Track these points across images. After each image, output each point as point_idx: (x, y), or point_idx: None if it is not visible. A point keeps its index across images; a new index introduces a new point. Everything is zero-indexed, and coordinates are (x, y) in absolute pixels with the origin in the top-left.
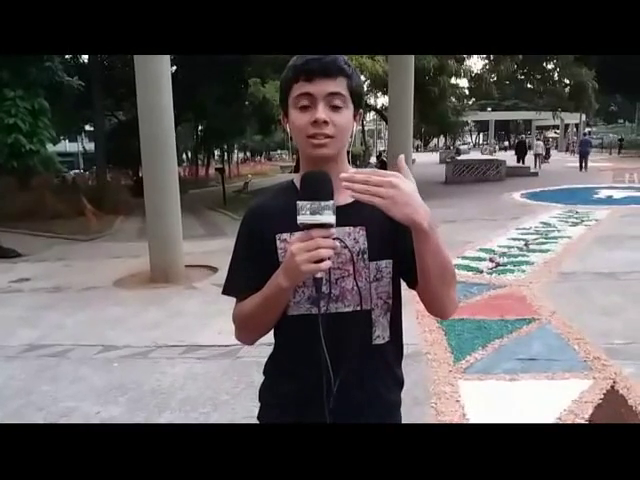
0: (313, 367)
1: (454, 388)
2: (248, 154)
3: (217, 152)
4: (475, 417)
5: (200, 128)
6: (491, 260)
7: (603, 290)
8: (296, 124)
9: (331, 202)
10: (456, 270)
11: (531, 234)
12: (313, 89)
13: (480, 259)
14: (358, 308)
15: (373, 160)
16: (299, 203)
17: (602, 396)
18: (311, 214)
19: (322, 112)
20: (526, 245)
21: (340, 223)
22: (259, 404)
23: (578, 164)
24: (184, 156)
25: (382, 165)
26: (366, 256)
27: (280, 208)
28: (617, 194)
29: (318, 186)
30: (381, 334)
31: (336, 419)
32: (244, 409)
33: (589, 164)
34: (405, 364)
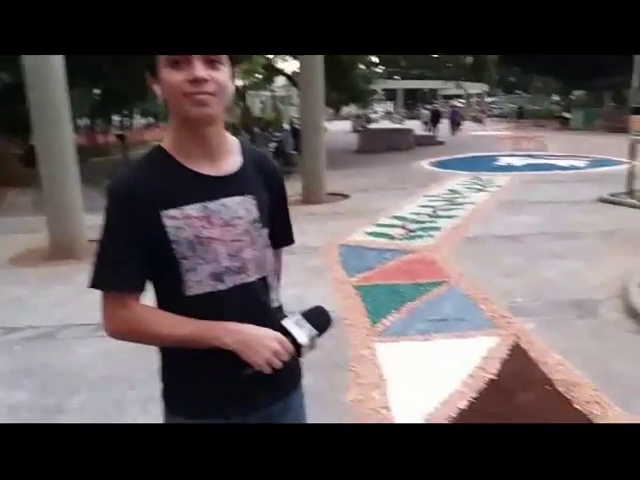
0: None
1: (372, 351)
2: (152, 119)
3: (117, 117)
4: (392, 377)
5: (97, 91)
6: (403, 227)
7: (506, 252)
8: (170, 82)
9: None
10: (372, 237)
11: (439, 201)
12: None
13: (393, 226)
14: (259, 276)
15: (286, 127)
16: (309, 327)
17: (508, 351)
18: (311, 344)
19: (201, 69)
20: (434, 211)
21: (230, 192)
22: (162, 385)
23: (451, 129)
24: (81, 122)
25: (295, 132)
26: (259, 224)
27: (157, 180)
28: (517, 161)
29: (325, 323)
30: (275, 297)
31: (245, 384)
32: None
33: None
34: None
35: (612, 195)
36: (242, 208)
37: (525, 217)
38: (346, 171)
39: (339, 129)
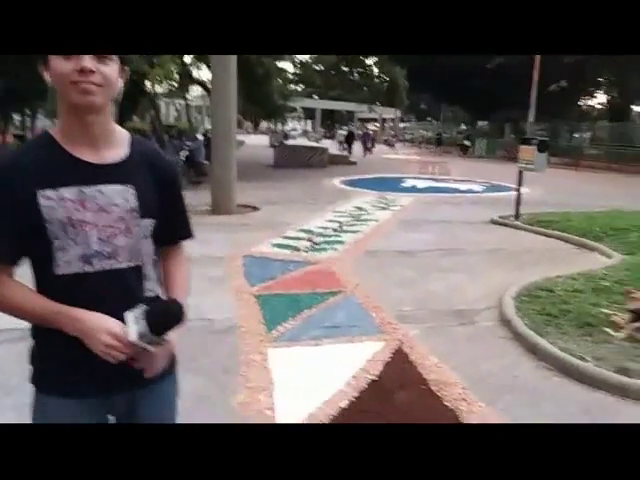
0: None
1: (263, 356)
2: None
3: (18, 117)
4: (280, 380)
5: None
6: (309, 240)
7: (400, 266)
8: (58, 70)
9: (161, 340)
10: (277, 249)
11: (345, 217)
12: None
13: (299, 239)
14: (131, 264)
15: (200, 137)
16: (144, 324)
17: (391, 355)
18: (146, 342)
19: (88, 61)
20: (340, 226)
21: (109, 180)
22: (31, 368)
23: (362, 150)
24: None
25: (209, 142)
26: (136, 214)
27: (38, 163)
28: (420, 184)
29: (171, 325)
30: (151, 287)
31: (112, 371)
32: None
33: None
34: (218, 339)
35: (501, 217)
36: (120, 197)
37: (421, 234)
38: (260, 184)
39: (257, 143)
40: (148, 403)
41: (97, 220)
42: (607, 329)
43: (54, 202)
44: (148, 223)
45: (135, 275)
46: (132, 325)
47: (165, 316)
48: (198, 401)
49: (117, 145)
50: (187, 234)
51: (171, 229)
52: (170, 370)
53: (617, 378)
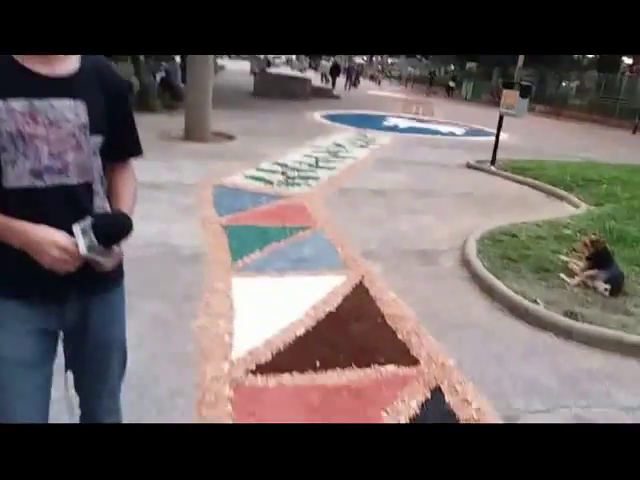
0: None
1: (227, 284)
2: None
3: None
4: (241, 308)
5: None
6: (283, 174)
7: (372, 205)
8: None
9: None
10: (250, 181)
11: (323, 152)
12: None
13: (273, 172)
14: (81, 180)
15: (177, 59)
16: (92, 236)
17: (351, 289)
18: (96, 253)
19: None
20: (316, 162)
21: (60, 94)
22: None
23: (346, 84)
24: None
25: (185, 64)
26: (87, 130)
27: None
28: (402, 123)
29: (119, 236)
30: (101, 204)
31: (62, 278)
32: None
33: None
34: (183, 266)
35: (477, 162)
36: (71, 111)
37: (396, 175)
38: (237, 112)
39: (238, 69)
40: (99, 311)
41: (48, 134)
42: (562, 275)
43: (2, 114)
44: (98, 139)
45: (85, 191)
46: (80, 237)
47: (113, 227)
48: (157, 323)
49: (68, 58)
50: (136, 151)
51: (120, 146)
52: (118, 282)
53: (564, 321)
